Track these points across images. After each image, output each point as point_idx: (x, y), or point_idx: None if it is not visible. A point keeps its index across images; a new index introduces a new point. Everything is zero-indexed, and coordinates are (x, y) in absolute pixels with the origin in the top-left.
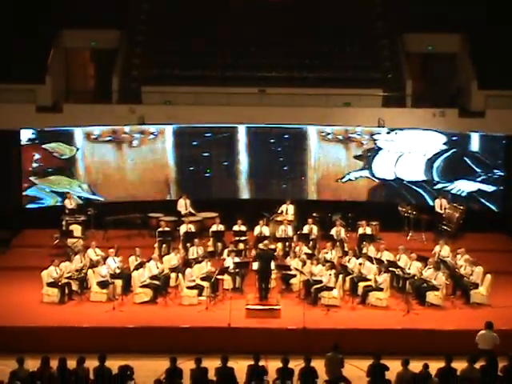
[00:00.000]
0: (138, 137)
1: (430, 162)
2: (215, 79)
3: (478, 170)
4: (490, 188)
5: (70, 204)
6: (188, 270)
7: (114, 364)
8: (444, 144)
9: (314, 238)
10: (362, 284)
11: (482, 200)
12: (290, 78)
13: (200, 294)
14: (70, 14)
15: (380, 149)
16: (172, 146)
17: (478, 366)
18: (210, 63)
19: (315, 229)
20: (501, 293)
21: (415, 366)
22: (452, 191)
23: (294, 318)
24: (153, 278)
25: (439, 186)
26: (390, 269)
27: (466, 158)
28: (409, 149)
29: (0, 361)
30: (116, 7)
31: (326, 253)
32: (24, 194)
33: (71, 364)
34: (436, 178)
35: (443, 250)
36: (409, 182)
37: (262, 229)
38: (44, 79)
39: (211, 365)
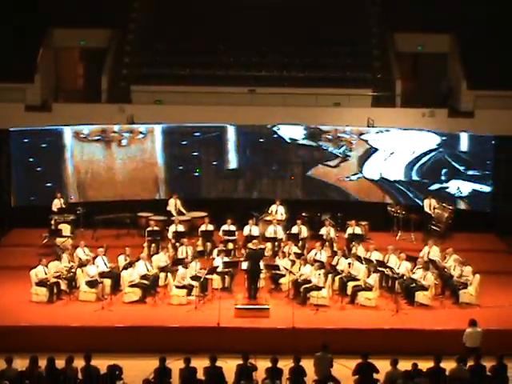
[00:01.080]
0: (127, 136)
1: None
2: (205, 78)
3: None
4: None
5: (58, 204)
6: (180, 270)
7: (102, 363)
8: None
9: (304, 237)
10: (351, 284)
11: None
12: (279, 78)
13: (189, 294)
14: (59, 13)
15: (376, 150)
16: (161, 146)
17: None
18: (199, 62)
19: (304, 229)
20: (490, 293)
21: (404, 366)
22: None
23: (283, 318)
24: (142, 277)
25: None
26: (380, 269)
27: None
28: (397, 149)
29: None
30: (106, 6)
31: (316, 253)
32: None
33: (60, 363)
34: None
35: (432, 251)
36: (394, 181)
37: (251, 228)
38: (33, 78)
39: (200, 364)
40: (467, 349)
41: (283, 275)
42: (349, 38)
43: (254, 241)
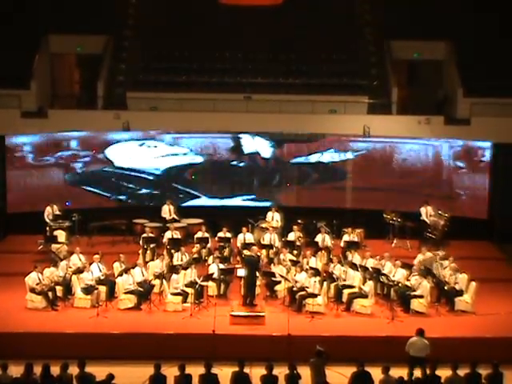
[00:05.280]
0: None
1: None
2: (201, 85)
3: None
4: None
5: (50, 212)
6: (174, 276)
7: (97, 370)
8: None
9: (299, 244)
10: (346, 291)
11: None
12: (275, 85)
13: (184, 301)
14: (55, 19)
15: None
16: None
17: (462, 373)
18: (195, 69)
19: (300, 236)
20: (485, 300)
21: (399, 374)
22: None
23: (278, 325)
24: (137, 284)
25: None
26: (375, 276)
27: None
28: None
29: None
30: (102, 12)
31: (308, 260)
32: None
33: (55, 370)
34: None
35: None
36: None
37: (246, 235)
38: (29, 84)
39: (195, 371)
40: (411, 357)
41: (279, 282)
42: (345, 45)
43: (251, 247)
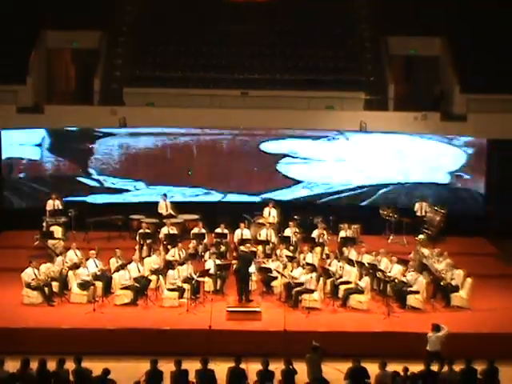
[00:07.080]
0: None
1: None
2: (198, 81)
3: None
4: None
5: (52, 205)
6: (170, 272)
7: (94, 366)
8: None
9: (296, 240)
10: (342, 287)
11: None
12: (272, 81)
13: (181, 296)
14: (51, 15)
15: None
16: None
17: (457, 368)
18: (192, 65)
19: (297, 231)
20: (481, 296)
21: (395, 369)
22: None
23: (274, 321)
24: (133, 279)
25: None
26: (371, 271)
27: None
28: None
29: None
30: (98, 8)
31: (304, 256)
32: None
33: (51, 366)
34: None
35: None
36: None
37: (243, 231)
38: (25, 80)
39: (192, 367)
40: (427, 352)
41: (275, 278)
42: (342, 41)
43: (246, 243)
